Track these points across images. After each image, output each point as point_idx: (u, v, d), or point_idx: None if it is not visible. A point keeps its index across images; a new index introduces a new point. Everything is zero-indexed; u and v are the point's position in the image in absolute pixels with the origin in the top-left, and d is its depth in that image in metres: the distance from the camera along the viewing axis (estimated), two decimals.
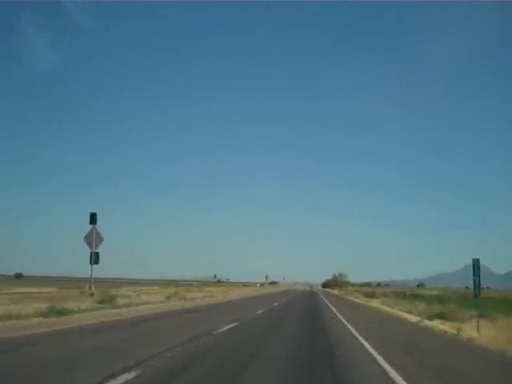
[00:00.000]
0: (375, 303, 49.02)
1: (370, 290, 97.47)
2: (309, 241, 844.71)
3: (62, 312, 16.65)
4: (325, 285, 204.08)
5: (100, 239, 28.76)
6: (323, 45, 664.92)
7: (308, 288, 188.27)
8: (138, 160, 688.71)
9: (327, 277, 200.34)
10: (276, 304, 37.98)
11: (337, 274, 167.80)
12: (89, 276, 29.10)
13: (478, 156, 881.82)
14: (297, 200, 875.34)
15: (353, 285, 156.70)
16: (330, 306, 39.73)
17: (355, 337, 14.75)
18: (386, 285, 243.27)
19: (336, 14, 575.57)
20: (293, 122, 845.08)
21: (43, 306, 17.44)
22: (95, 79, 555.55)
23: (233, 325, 16.49)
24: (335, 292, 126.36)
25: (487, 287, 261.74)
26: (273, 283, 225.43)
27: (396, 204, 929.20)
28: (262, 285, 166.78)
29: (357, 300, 60.44)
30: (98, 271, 30.02)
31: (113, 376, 6.90)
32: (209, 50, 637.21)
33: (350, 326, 19.09)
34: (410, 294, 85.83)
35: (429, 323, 22.47)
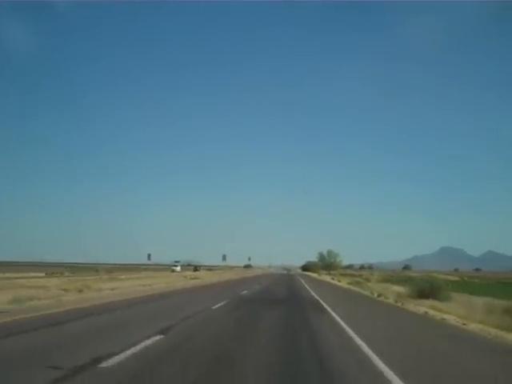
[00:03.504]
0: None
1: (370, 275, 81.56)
2: (288, 224, 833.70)
3: None
4: (305, 268, 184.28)
5: None
6: (300, 28, 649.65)
7: (285, 271, 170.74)
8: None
9: (311, 258, 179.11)
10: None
11: (324, 252, 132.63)
12: None
13: (455, 139, 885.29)
14: (276, 183, 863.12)
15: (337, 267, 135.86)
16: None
17: None
18: (370, 267, 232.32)
19: None
20: (270, 104, 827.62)
21: None
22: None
23: None
24: (326, 278, 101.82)
25: (455, 269, 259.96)
26: (247, 266, 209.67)
27: (374, 186, 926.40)
28: (197, 269, 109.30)
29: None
30: None
31: None
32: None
33: None
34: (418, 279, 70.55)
35: None
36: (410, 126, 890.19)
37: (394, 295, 28.41)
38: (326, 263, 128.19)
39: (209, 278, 61.50)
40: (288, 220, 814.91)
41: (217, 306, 16.50)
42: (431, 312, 18.15)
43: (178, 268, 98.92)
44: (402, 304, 21.63)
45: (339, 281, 62.65)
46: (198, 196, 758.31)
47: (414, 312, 18.37)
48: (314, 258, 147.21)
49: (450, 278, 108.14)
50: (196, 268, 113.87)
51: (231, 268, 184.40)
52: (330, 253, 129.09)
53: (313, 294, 28.09)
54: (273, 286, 39.93)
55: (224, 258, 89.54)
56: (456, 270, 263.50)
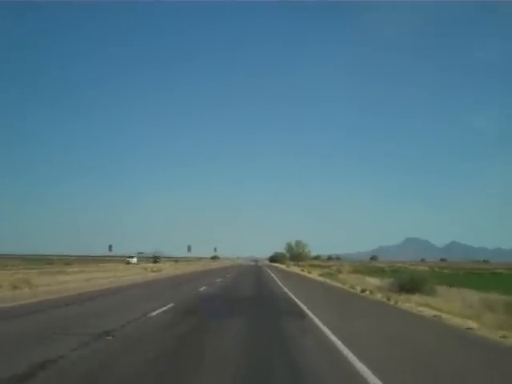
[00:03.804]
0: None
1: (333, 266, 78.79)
2: (255, 215, 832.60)
3: None
4: (272, 259, 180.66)
5: None
6: (271, 19, 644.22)
7: (253, 263, 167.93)
8: None
9: (278, 249, 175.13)
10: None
11: (293, 243, 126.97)
12: None
13: (419, 130, 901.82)
14: (243, 175, 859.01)
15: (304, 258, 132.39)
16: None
17: None
18: (337, 258, 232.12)
19: None
20: (236, 94, 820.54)
21: None
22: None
23: None
24: (295, 269, 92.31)
25: (422, 259, 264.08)
26: (214, 258, 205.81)
27: (341, 178, 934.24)
28: (157, 260, 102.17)
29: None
30: None
31: None
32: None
33: None
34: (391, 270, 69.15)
35: None
36: (376, 116, 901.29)
37: (375, 289, 24.98)
38: (294, 254, 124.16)
39: (171, 270, 57.28)
40: (255, 211, 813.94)
41: (155, 313, 12.18)
42: (432, 312, 14.68)
43: (134, 260, 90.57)
44: (396, 302, 17.70)
45: (309, 272, 59.16)
46: (165, 187, 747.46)
47: (418, 314, 14.34)
48: (282, 250, 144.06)
49: (421, 268, 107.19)
50: (156, 259, 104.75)
51: (199, 259, 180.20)
52: (298, 243, 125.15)
53: (285, 289, 23.84)
54: (239, 279, 35.69)
55: (189, 249, 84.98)
56: (422, 260, 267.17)
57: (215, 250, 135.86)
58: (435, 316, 13.64)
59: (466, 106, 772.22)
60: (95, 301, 15.86)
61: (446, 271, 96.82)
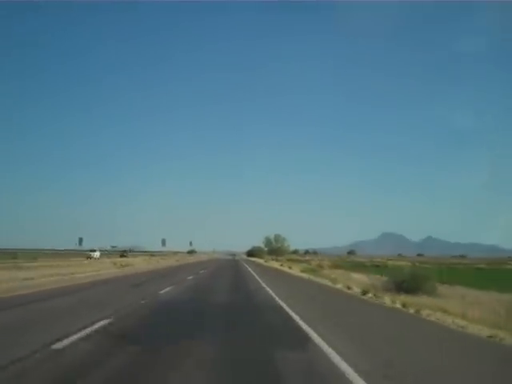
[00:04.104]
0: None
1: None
2: (233, 210, 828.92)
3: None
4: (250, 253, 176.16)
5: None
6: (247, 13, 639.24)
7: (230, 257, 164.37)
8: None
9: (256, 243, 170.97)
10: None
11: (271, 236, 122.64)
12: None
13: (396, 126, 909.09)
14: (220, 169, 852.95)
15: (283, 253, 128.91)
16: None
17: None
18: (314, 253, 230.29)
19: None
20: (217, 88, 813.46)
21: None
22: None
23: None
24: (274, 264, 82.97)
25: (399, 254, 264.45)
26: (191, 252, 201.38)
27: (319, 174, 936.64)
28: (124, 255, 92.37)
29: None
30: None
31: None
32: None
33: None
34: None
35: None
36: (350, 114, 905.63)
37: (370, 288, 21.40)
38: (273, 248, 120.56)
39: (143, 264, 53.14)
40: (232, 205, 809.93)
41: (69, 341, 7.45)
42: (459, 322, 11.26)
43: (96, 254, 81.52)
44: (418, 311, 13.49)
45: (290, 268, 55.45)
46: (141, 181, 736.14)
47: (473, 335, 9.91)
48: (259, 244, 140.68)
49: (401, 263, 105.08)
50: (123, 254, 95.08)
51: (175, 253, 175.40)
52: (277, 237, 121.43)
53: (269, 291, 19.47)
54: (214, 277, 31.08)
55: (163, 242, 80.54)
56: (399, 255, 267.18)
57: (191, 243, 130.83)
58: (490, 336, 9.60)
59: (443, 100, 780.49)
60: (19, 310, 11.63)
61: (428, 266, 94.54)
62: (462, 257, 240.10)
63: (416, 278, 21.38)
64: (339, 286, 24.56)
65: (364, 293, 19.34)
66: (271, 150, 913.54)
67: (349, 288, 22.37)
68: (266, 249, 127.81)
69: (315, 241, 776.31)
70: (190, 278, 28.08)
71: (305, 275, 37.22)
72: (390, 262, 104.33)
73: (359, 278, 31.74)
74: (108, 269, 36.51)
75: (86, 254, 79.45)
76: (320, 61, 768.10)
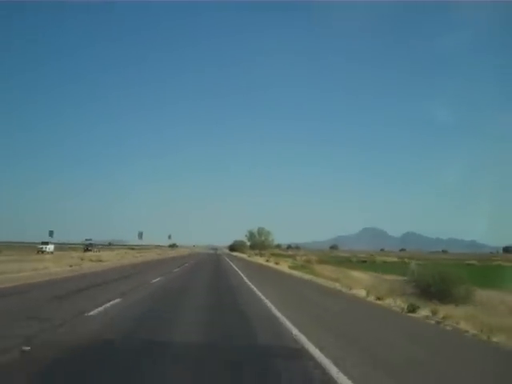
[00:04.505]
0: None
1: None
2: (214, 204, 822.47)
3: None
4: (232, 248, 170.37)
5: None
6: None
7: (212, 251, 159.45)
8: None
9: (238, 238, 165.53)
10: None
11: (255, 230, 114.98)
12: None
13: (376, 120, 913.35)
14: (200, 163, 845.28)
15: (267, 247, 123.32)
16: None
17: None
18: (297, 247, 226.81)
19: None
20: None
21: None
22: None
23: None
24: (259, 259, 74.78)
25: (381, 249, 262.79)
26: (172, 246, 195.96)
27: (300, 169, 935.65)
28: (89, 249, 76.40)
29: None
30: None
31: None
32: None
33: None
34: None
35: None
36: (330, 109, 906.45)
37: (386, 293, 17.01)
38: (257, 242, 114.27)
39: (115, 259, 48.15)
40: (213, 200, 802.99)
41: None
42: None
43: (49, 247, 67.58)
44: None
45: (277, 263, 50.63)
46: (124, 175, 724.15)
47: None
48: (242, 238, 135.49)
49: (390, 259, 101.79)
50: (88, 248, 79.48)
51: (156, 247, 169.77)
52: (260, 231, 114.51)
53: (263, 298, 14.55)
54: (191, 279, 24.98)
55: (140, 236, 74.77)
56: (382, 250, 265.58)
57: (170, 237, 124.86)
58: None
59: (424, 95, 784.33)
60: None
61: (419, 262, 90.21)
62: (444, 252, 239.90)
63: (447, 280, 17.02)
64: (354, 291, 19.28)
65: (411, 309, 12.97)
66: (253, 143, 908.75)
67: (367, 294, 17.24)
68: (248, 243, 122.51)
69: (297, 235, 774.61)
70: (156, 280, 21.29)
71: (296, 272, 32.67)
72: (378, 258, 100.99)
73: (361, 278, 27.46)
74: (59, 266, 29.33)
75: (37, 248, 67.40)
76: (299, 55, 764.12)
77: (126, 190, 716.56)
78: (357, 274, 32.23)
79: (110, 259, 47.71)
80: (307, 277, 28.19)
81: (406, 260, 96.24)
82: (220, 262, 56.26)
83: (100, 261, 40.85)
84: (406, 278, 33.70)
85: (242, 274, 28.72)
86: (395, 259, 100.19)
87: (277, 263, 51.60)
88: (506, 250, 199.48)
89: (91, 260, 40.54)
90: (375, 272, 37.27)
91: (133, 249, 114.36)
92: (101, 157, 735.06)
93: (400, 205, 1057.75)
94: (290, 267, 41.27)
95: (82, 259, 40.33)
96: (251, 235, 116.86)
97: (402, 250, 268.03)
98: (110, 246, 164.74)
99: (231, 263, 50.28)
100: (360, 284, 22.45)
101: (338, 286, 20.90)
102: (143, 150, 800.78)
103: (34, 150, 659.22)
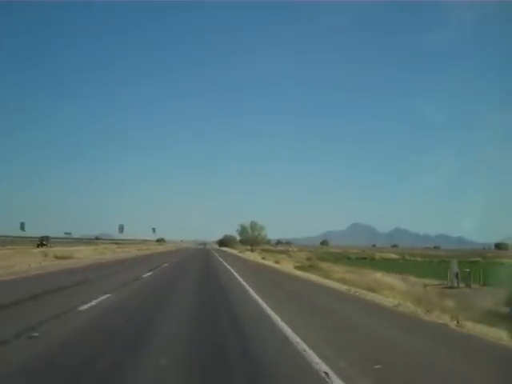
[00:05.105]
0: None
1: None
2: (201, 198, 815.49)
3: None
4: (221, 243, 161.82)
5: None
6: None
7: (201, 246, 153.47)
8: None
9: (227, 232, 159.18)
10: None
11: (247, 224, 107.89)
12: None
13: (365, 118, 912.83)
14: (193, 157, 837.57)
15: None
16: None
17: None
18: (287, 243, 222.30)
19: None
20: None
21: None
22: None
23: None
24: (251, 256, 66.74)
25: (373, 245, 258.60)
26: (160, 241, 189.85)
27: (288, 164, 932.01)
28: (43, 243, 66.97)
29: None
30: None
31: None
32: None
33: None
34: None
35: None
36: (320, 105, 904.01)
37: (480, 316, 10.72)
38: (249, 237, 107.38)
39: (89, 256, 41.85)
40: (202, 194, 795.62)
41: None
42: None
43: None
44: None
45: (277, 262, 43.17)
46: (110, 168, 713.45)
47: None
48: (231, 233, 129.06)
49: (389, 256, 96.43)
50: (42, 242, 68.35)
51: (142, 242, 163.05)
52: (253, 225, 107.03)
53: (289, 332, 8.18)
54: (170, 286, 18.65)
55: (121, 229, 68.13)
56: (373, 246, 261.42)
57: (154, 230, 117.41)
58: None
59: (412, 92, 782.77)
60: None
61: (418, 259, 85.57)
62: (436, 248, 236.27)
63: None
64: (433, 315, 10.75)
65: None
66: (241, 140, 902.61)
67: (458, 323, 9.72)
68: (239, 238, 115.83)
69: (286, 231, 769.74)
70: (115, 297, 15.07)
71: (312, 277, 25.27)
72: (376, 255, 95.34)
73: (395, 284, 21.30)
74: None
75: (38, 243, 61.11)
76: (290, 51, 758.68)
77: (113, 185, 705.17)
78: (380, 276, 26.21)
79: (85, 256, 41.26)
80: (332, 285, 20.71)
81: (407, 257, 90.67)
82: (209, 255, 48.66)
83: (68, 257, 34.24)
84: (445, 282, 28.33)
85: (239, 277, 21.68)
86: (394, 256, 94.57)
87: (277, 262, 44.25)
88: (498, 246, 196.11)
89: (59, 257, 34.01)
90: (397, 273, 31.44)
91: (117, 243, 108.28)
92: (90, 153, 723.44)
93: (389, 201, 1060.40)
94: (295, 267, 34.52)
95: (45, 255, 33.86)
96: (243, 230, 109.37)
97: (394, 246, 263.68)
98: (97, 240, 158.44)
99: (223, 261, 42.08)
100: (400, 293, 16.48)
101: (392, 301, 13.82)
102: (132, 147, 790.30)
103: (22, 147, 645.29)
